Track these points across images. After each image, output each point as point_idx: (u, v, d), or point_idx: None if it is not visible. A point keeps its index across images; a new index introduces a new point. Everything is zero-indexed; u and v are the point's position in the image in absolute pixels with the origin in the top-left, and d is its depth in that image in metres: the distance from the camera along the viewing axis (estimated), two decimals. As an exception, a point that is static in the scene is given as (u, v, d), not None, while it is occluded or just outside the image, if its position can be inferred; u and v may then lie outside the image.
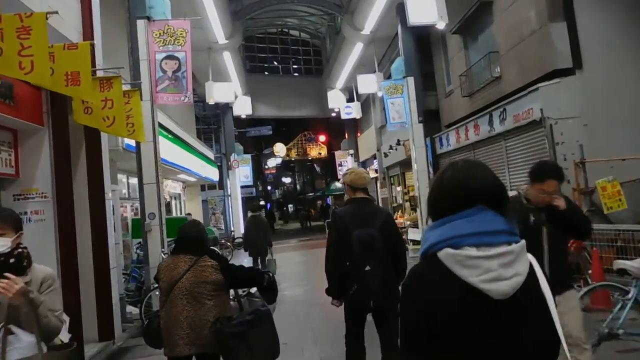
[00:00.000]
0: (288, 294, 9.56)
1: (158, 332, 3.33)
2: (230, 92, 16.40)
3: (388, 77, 16.40)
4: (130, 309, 7.72)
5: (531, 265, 1.30)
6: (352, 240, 3.59)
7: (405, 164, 18.77)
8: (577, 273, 7.27)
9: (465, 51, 12.38)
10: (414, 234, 13.72)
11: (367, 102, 23.06)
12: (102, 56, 6.31)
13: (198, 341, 3.18)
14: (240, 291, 3.81)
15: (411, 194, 19.08)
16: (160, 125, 11.84)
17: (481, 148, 11.37)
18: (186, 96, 7.87)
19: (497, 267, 1.23)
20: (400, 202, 20.29)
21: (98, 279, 6.15)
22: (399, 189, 20.13)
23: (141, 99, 7.17)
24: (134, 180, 11.79)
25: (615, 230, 7.15)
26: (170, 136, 13.06)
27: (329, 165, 44.39)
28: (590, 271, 7.23)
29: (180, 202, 18.74)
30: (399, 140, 16.16)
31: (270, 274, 3.58)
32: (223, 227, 22.95)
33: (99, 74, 5.78)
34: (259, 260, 10.85)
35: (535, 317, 1.26)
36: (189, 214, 15.25)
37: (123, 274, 8.35)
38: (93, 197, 6.15)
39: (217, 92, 15.99)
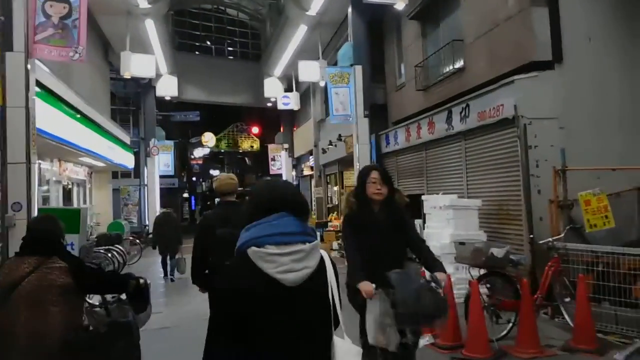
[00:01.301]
0: (190, 307, 7.77)
1: None
2: (151, 66, 14.18)
3: (334, 64, 14.88)
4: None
5: (322, 260, 1.74)
6: (215, 239, 4.00)
7: (345, 162, 17.37)
8: (549, 300, 6.12)
9: (422, 39, 11.08)
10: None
11: (306, 94, 21.48)
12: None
13: (38, 353, 2.77)
14: (109, 297, 3.42)
15: (347, 194, 17.73)
16: (55, 95, 9.66)
17: (435, 148, 10.10)
18: (77, 52, 5.86)
19: (289, 262, 1.64)
20: (337, 202, 18.89)
21: None
22: (335, 188, 18.70)
23: (8, 48, 5.15)
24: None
25: (593, 251, 6.03)
26: (70, 110, 10.78)
27: (260, 158, 42.60)
28: (567, 299, 6.10)
29: (84, 190, 16.21)
30: (340, 136, 14.70)
31: (141, 280, 3.25)
32: (135, 221, 20.50)
33: None
34: (167, 258, 10.91)
35: (319, 302, 1.71)
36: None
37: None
38: None
39: (136, 65, 13.72)
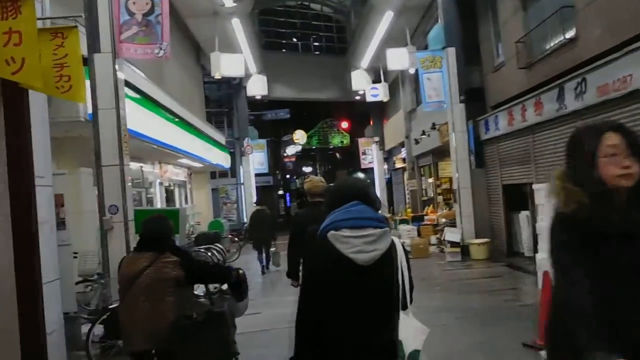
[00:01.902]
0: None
1: (118, 324, 3.35)
2: (239, 64, 14.39)
3: (424, 48, 14.17)
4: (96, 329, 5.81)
5: (393, 244, 2.00)
6: (306, 236, 3.87)
7: (440, 152, 16.54)
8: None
9: (523, 13, 10.10)
10: (452, 234, 11.57)
11: (395, 85, 20.83)
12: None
13: (156, 337, 3.17)
14: (212, 287, 3.77)
15: (444, 186, 16.92)
16: (152, 100, 9.98)
17: (544, 131, 9.15)
18: (161, 48, 5.86)
19: (361, 244, 1.92)
20: (432, 195, 18.10)
21: (23, 297, 4.24)
22: (430, 180, 17.92)
23: (96, 50, 5.22)
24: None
25: None
26: (167, 114, 11.17)
27: (351, 154, 42.33)
28: None
29: (185, 191, 16.91)
30: (433, 124, 13.96)
31: (240, 271, 3.52)
32: (235, 219, 21.11)
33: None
34: (263, 252, 11.37)
35: (387, 280, 1.96)
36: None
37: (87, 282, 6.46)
38: (16, 182, 4.22)
39: (225, 65, 13.97)
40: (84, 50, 5.83)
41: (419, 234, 13.98)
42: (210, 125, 17.76)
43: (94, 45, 5.56)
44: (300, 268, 3.60)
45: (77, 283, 6.23)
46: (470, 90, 12.09)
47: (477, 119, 11.98)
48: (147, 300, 3.20)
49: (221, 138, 18.46)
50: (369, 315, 1.96)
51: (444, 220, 13.41)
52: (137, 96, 8.91)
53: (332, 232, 1.96)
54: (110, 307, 4.99)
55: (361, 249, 1.91)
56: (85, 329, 5.49)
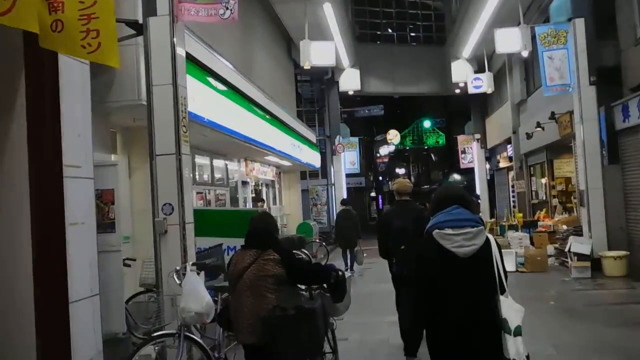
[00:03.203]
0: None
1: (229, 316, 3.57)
2: (330, 53, 13.30)
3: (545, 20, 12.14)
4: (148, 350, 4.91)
5: (488, 240, 2.54)
6: (393, 229, 5.45)
7: (556, 148, 14.37)
8: None
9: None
10: (579, 245, 9.57)
11: (500, 75, 18.74)
12: None
13: (258, 330, 3.32)
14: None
15: (559, 187, 14.67)
16: (239, 92, 9.23)
17: None
18: (227, 7, 4.80)
19: (461, 240, 2.49)
20: (544, 197, 15.84)
21: (43, 322, 3.32)
22: (543, 181, 15.67)
23: (151, 13, 4.31)
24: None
25: None
26: (256, 108, 10.40)
27: (447, 153, 40.01)
28: None
29: (273, 191, 16.20)
30: (552, 114, 11.92)
31: (340, 272, 3.66)
32: (325, 221, 20.14)
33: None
34: (347, 251, 11.65)
35: (485, 269, 2.52)
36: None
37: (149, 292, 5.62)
38: (38, 172, 3.38)
39: (315, 53, 12.92)
40: (138, 14, 5.01)
41: (532, 243, 11.98)
42: (301, 122, 16.94)
43: (148, 7, 4.68)
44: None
45: (137, 294, 5.44)
46: (603, 70, 9.99)
47: (612, 104, 9.85)
48: (251, 295, 3.36)
49: (312, 136, 17.59)
50: (471, 297, 2.52)
51: (564, 227, 11.34)
52: (224, 88, 8.34)
53: (436, 230, 2.56)
54: (161, 332, 4.08)
55: (461, 244, 2.50)
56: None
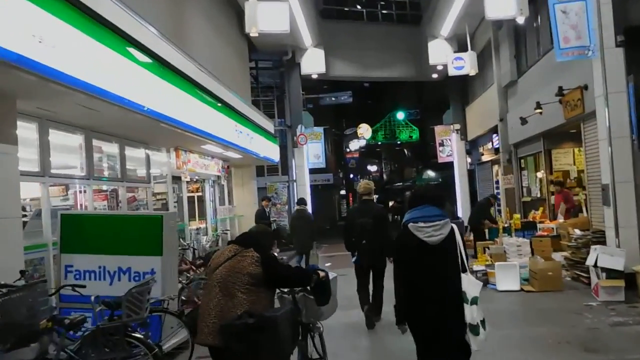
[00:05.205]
0: None
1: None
2: (283, 16, 10.65)
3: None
4: None
5: (452, 229, 3.35)
6: (356, 225, 6.55)
7: (557, 135, 12.14)
8: None
9: None
10: (608, 258, 7.17)
11: (485, 55, 16.49)
12: None
13: (220, 332, 3.19)
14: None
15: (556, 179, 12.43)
16: (166, 64, 6.96)
17: None
18: None
19: (431, 231, 3.27)
20: (538, 194, 13.61)
21: None
22: (539, 175, 13.40)
23: None
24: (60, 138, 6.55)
25: None
26: (188, 85, 7.87)
27: (421, 149, 38.01)
28: None
29: (220, 189, 13.49)
30: (560, 89, 9.58)
31: (321, 274, 3.59)
32: (286, 222, 17.54)
33: None
34: (303, 255, 10.95)
35: (450, 253, 3.31)
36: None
37: None
38: None
39: (264, 17, 10.30)
40: None
41: (532, 251, 9.62)
42: (255, 108, 14.28)
43: None
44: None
45: None
46: (632, 30, 7.70)
47: (645, 73, 7.57)
48: (220, 292, 3.25)
49: (269, 125, 14.97)
50: (440, 276, 3.29)
51: (577, 231, 9.02)
52: (148, 60, 6.43)
53: (411, 224, 3.33)
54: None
55: (431, 234, 3.27)
56: None
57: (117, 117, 6.33)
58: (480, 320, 3.19)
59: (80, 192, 7.19)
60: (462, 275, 3.26)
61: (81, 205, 7.14)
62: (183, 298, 6.94)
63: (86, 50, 5.03)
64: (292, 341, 3.53)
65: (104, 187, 7.86)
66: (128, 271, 5.50)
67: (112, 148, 7.94)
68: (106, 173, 7.80)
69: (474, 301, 3.18)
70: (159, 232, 5.49)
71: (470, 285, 3.24)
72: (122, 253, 5.50)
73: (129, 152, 8.35)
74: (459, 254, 3.28)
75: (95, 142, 7.30)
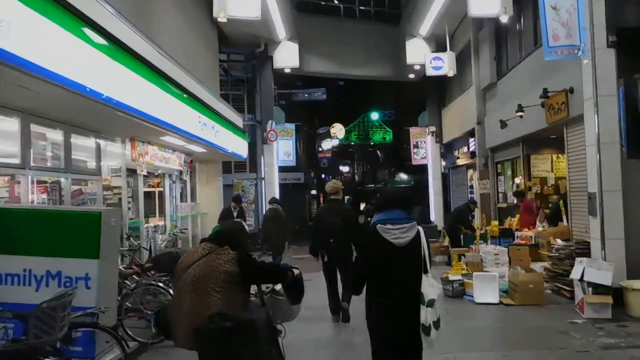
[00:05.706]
0: None
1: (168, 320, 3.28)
2: (255, 2, 9.93)
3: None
4: None
5: (418, 231, 3.46)
6: (325, 224, 6.60)
7: (535, 141, 11.75)
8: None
9: None
10: (596, 272, 6.65)
11: (462, 57, 16.05)
12: None
13: (193, 334, 3.06)
14: (264, 287, 3.68)
15: (534, 189, 12.11)
16: (123, 45, 6.11)
17: None
18: None
19: (398, 233, 3.38)
20: (514, 201, 13.19)
21: None
22: (518, 180, 12.99)
23: None
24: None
25: None
26: (146, 70, 7.06)
27: (394, 151, 37.64)
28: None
29: (182, 184, 12.63)
30: (545, 91, 9.11)
31: (295, 271, 3.57)
32: (253, 222, 16.76)
33: None
34: (275, 257, 10.72)
35: (414, 255, 3.42)
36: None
37: None
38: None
39: (234, 1, 9.54)
40: None
41: (510, 261, 9.12)
42: (223, 101, 13.46)
43: None
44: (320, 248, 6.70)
45: None
46: (624, 32, 7.24)
47: (636, 75, 7.09)
48: (192, 292, 3.11)
49: (237, 119, 14.16)
50: (404, 276, 3.39)
51: (558, 241, 8.55)
52: (104, 42, 5.70)
53: (379, 225, 3.42)
54: None
55: (398, 236, 3.37)
56: None
57: (60, 99, 5.54)
58: (434, 321, 3.31)
59: (17, 183, 6.32)
60: (423, 277, 3.40)
61: (17, 197, 6.27)
62: (128, 305, 6.18)
63: (31, 26, 4.26)
64: (268, 345, 3.37)
65: (45, 178, 6.97)
66: (58, 276, 4.67)
67: (55, 135, 7.06)
68: (49, 163, 6.92)
69: (430, 304, 3.32)
70: (96, 231, 4.70)
71: (429, 287, 3.37)
72: (52, 255, 4.67)
73: (77, 140, 7.48)
74: (422, 256, 3.44)
75: (35, 128, 6.44)
